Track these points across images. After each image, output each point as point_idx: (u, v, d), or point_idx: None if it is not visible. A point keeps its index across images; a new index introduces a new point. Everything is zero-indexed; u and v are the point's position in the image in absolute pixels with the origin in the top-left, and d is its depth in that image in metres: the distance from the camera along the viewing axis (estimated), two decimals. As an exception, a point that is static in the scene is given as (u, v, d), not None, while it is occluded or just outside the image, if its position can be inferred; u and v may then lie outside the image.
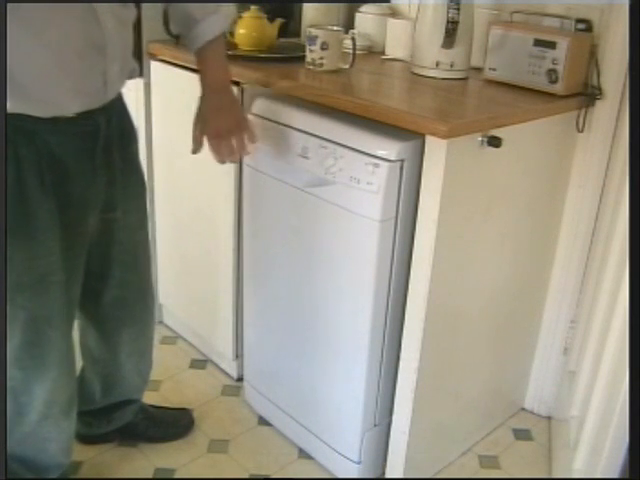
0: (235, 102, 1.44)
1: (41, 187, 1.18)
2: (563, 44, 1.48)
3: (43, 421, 1.36)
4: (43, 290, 1.25)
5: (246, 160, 1.60)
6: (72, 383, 1.41)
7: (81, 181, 1.25)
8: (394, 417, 1.54)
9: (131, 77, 1.36)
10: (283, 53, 1.72)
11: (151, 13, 1.78)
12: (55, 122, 1.17)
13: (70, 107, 1.18)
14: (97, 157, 1.27)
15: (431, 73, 1.61)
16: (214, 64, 1.37)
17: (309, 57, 1.61)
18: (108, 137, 1.29)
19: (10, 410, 1.32)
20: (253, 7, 1.74)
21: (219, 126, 1.40)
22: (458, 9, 1.53)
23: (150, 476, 1.63)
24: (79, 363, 1.53)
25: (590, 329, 1.54)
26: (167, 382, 1.96)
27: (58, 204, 1.22)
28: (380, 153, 1.31)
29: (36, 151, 1.16)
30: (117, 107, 1.33)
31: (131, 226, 1.45)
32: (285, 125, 1.48)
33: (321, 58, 1.59)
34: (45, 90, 1.14)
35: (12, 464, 1.38)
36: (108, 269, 1.44)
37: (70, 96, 1.17)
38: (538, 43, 1.51)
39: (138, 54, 1.48)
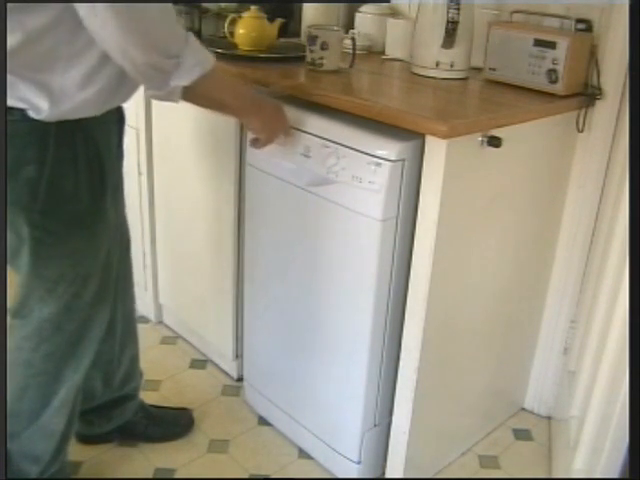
0: (260, 114, 1.37)
1: (102, 179, 1.24)
2: (563, 44, 1.48)
3: (60, 411, 1.38)
4: (103, 276, 1.32)
5: (248, 159, 1.60)
6: (87, 370, 1.43)
7: (118, 164, 1.34)
8: (394, 417, 1.54)
9: None
10: (283, 53, 1.72)
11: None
12: (105, 113, 1.22)
13: (116, 101, 1.25)
14: (121, 137, 1.36)
15: (431, 73, 1.61)
16: (208, 99, 1.27)
17: (309, 57, 1.61)
18: (123, 118, 1.37)
19: (34, 404, 1.34)
20: (253, 7, 1.73)
21: (263, 139, 1.42)
22: (458, 9, 1.53)
23: (150, 476, 1.63)
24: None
25: (590, 329, 1.54)
26: (167, 382, 1.96)
27: (112, 191, 1.28)
28: (380, 153, 1.31)
29: (91, 145, 1.21)
30: None
31: (123, 203, 1.51)
32: (285, 125, 1.48)
33: (321, 58, 1.59)
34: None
35: (19, 460, 1.39)
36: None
37: (121, 91, 1.22)
38: (538, 43, 1.51)
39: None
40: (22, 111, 1.10)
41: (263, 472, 1.66)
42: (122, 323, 1.56)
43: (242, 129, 1.64)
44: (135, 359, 1.67)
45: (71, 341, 1.33)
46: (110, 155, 1.27)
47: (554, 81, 1.50)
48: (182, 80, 1.12)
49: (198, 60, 1.13)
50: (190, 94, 1.16)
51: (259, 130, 1.38)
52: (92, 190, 1.23)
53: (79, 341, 1.34)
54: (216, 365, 2.04)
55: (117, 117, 1.31)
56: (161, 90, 1.13)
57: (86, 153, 1.19)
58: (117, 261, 1.45)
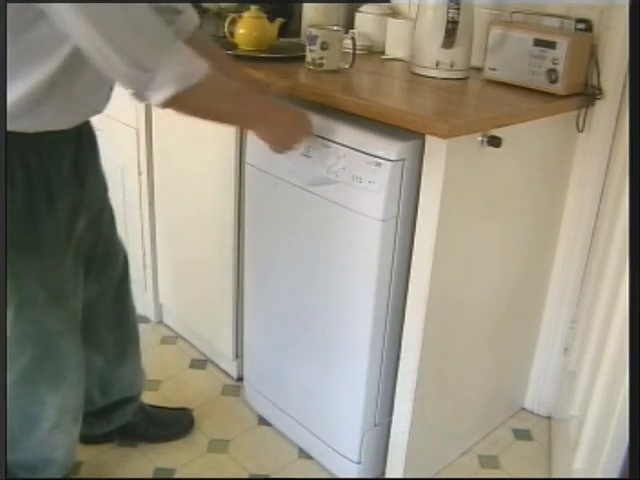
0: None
1: (49, 200, 1.18)
2: (563, 44, 1.48)
3: (55, 429, 1.36)
4: (56, 303, 1.25)
5: (248, 159, 1.60)
6: (82, 390, 1.41)
7: (76, 186, 1.25)
8: (394, 417, 1.54)
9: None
10: (283, 53, 1.72)
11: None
12: (48, 134, 1.16)
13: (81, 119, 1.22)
14: (81, 159, 1.26)
15: (431, 73, 1.61)
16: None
17: (309, 57, 1.61)
18: (84, 138, 1.29)
19: (21, 423, 1.32)
20: (253, 7, 1.74)
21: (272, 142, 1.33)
22: (458, 9, 1.53)
23: (150, 476, 1.63)
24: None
25: (590, 329, 1.54)
26: (167, 382, 1.96)
27: (64, 214, 1.22)
28: (381, 153, 1.31)
29: (42, 163, 1.15)
30: None
31: (109, 221, 1.46)
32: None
33: (321, 58, 1.59)
34: (80, 110, 1.19)
35: (16, 470, 1.38)
36: (93, 265, 1.43)
37: (87, 113, 1.22)
38: (538, 43, 1.51)
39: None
40: None
41: (263, 472, 1.66)
42: (116, 340, 1.55)
43: (242, 129, 1.64)
44: (135, 373, 1.65)
45: (38, 365, 1.28)
46: (60, 176, 1.20)
47: (554, 81, 1.50)
48: (155, 95, 1.04)
49: (175, 76, 1.04)
50: (178, 105, 1.08)
51: (269, 140, 1.31)
52: (33, 211, 1.16)
53: (49, 365, 1.29)
54: (216, 365, 2.04)
55: (73, 136, 1.23)
56: (141, 101, 1.08)
57: (26, 171, 1.13)
58: (94, 282, 1.43)
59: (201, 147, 1.79)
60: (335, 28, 1.62)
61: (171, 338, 2.17)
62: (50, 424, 1.35)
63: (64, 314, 1.28)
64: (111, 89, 1.24)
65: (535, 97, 1.51)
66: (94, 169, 1.36)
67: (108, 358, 1.56)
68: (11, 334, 1.23)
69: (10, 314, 1.21)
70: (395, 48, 1.83)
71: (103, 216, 1.42)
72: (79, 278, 1.33)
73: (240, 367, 1.93)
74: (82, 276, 1.34)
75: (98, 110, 1.26)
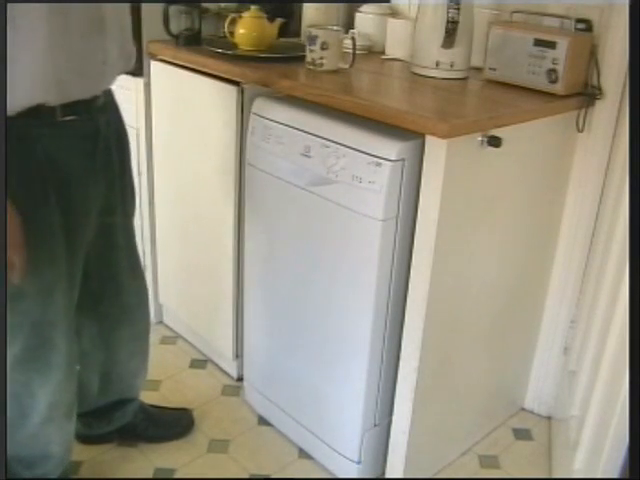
0: None
1: (45, 195, 1.18)
2: (563, 44, 1.48)
3: (47, 423, 1.36)
4: (48, 297, 1.26)
5: (247, 159, 1.60)
6: (73, 385, 1.41)
7: (83, 185, 1.25)
8: (394, 417, 1.54)
9: (128, 64, 1.33)
10: (283, 53, 1.72)
11: (151, 13, 1.79)
12: (56, 126, 1.16)
13: (73, 91, 1.16)
14: (98, 159, 1.27)
15: (431, 73, 1.61)
16: None
17: (309, 57, 1.61)
18: (107, 139, 1.29)
19: (13, 412, 1.32)
20: (253, 7, 1.73)
21: None
22: (458, 9, 1.53)
23: (150, 476, 1.63)
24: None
25: (590, 329, 1.54)
26: (167, 382, 1.96)
27: (61, 210, 1.21)
28: (381, 153, 1.31)
29: (39, 158, 1.15)
30: (113, 108, 1.34)
31: (129, 229, 1.46)
32: (286, 125, 1.48)
33: (321, 58, 1.59)
34: (51, 74, 1.11)
35: (14, 465, 1.38)
36: (108, 272, 1.44)
37: (74, 78, 1.15)
38: (538, 43, 1.51)
39: (138, 50, 1.46)
40: None
41: (263, 472, 1.66)
42: (128, 344, 1.56)
43: (242, 129, 1.64)
44: (142, 375, 1.66)
45: (29, 355, 1.28)
46: (71, 175, 1.20)
47: (554, 81, 1.50)
48: None
49: None
50: None
51: None
52: (28, 208, 1.14)
53: (39, 357, 1.30)
54: (216, 365, 2.04)
55: (89, 132, 1.23)
56: None
57: (25, 165, 1.12)
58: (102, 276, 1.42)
59: (201, 147, 1.79)
60: (335, 28, 1.62)
61: (171, 338, 2.17)
62: (41, 418, 1.35)
63: (55, 308, 1.28)
64: (104, 58, 1.20)
65: (535, 97, 1.51)
66: (122, 175, 1.36)
67: (114, 356, 1.56)
68: (9, 320, 1.22)
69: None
70: (395, 48, 1.83)
71: (124, 224, 1.43)
72: (77, 274, 1.32)
73: (240, 367, 1.93)
74: (80, 274, 1.33)
75: (95, 76, 1.21)
